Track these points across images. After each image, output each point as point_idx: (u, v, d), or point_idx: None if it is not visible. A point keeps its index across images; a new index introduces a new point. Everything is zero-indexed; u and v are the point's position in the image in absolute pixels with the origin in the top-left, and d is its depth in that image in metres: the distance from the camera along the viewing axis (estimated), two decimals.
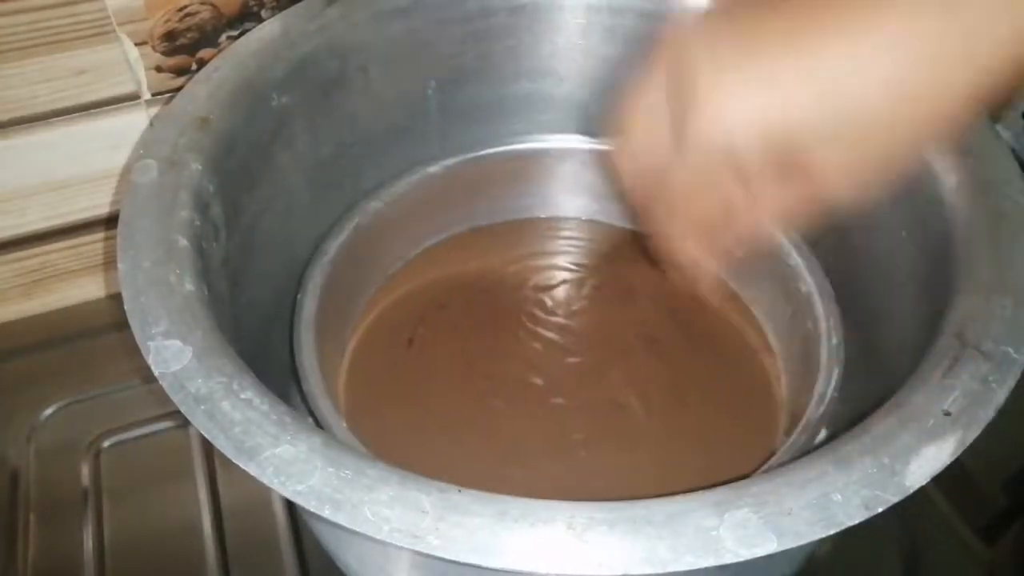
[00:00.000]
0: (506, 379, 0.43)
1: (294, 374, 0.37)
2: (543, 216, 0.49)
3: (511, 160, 0.47)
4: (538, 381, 0.42)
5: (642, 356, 0.43)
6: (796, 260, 0.41)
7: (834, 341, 0.38)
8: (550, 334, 0.45)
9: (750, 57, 0.23)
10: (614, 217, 0.49)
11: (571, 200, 0.49)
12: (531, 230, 0.49)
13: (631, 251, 0.48)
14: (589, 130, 0.47)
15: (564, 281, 0.47)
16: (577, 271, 0.48)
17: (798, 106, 0.22)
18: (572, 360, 0.43)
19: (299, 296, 0.40)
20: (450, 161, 0.45)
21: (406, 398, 0.42)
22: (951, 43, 0.22)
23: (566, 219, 0.49)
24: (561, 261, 0.48)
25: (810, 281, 0.40)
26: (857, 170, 0.24)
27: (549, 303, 0.46)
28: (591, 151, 0.46)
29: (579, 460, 0.39)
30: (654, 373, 0.43)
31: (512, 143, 0.46)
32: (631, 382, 0.42)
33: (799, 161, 0.24)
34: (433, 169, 0.44)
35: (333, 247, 0.42)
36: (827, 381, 0.36)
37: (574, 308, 0.46)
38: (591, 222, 0.49)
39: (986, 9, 0.21)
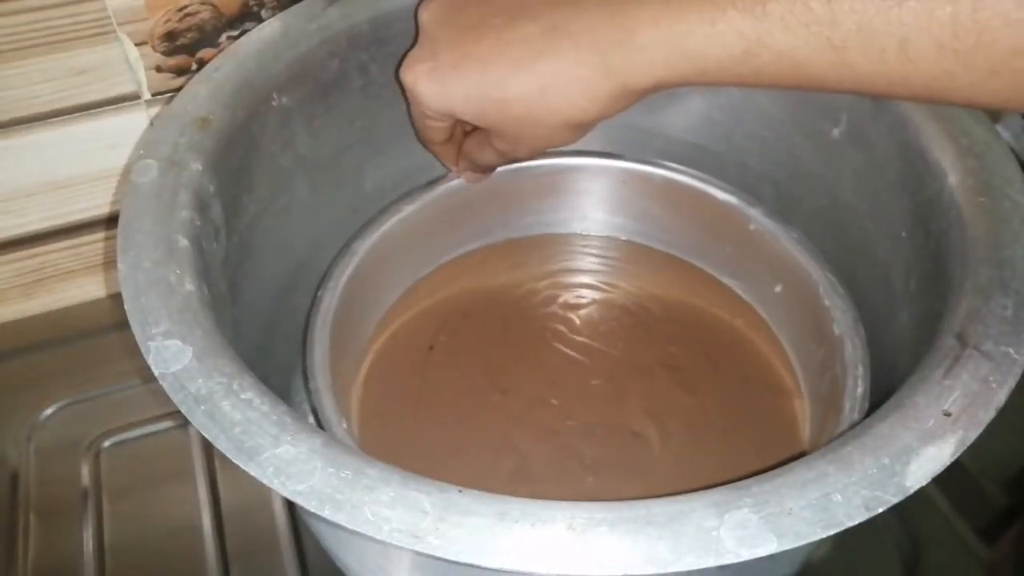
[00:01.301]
0: (522, 396, 0.42)
1: (304, 370, 0.37)
2: (579, 232, 0.48)
3: (549, 174, 0.46)
4: (554, 401, 0.41)
5: (665, 385, 0.42)
6: (832, 301, 0.39)
7: (859, 391, 0.36)
8: (573, 353, 0.44)
9: (442, 69, 0.34)
10: (652, 240, 0.48)
11: (609, 219, 0.48)
12: (565, 246, 0.48)
13: (667, 276, 0.47)
14: (599, 131, 0.47)
15: (594, 301, 0.46)
16: (609, 291, 0.46)
17: (458, 100, 0.34)
18: (592, 382, 0.42)
19: (319, 292, 0.39)
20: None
21: (420, 405, 0.41)
22: (575, 70, 0.31)
23: (602, 237, 0.48)
24: (593, 280, 0.47)
25: (843, 324, 0.38)
26: (518, 143, 0.36)
27: (576, 322, 0.45)
28: (629, 170, 0.45)
29: (586, 486, 0.38)
30: (676, 404, 0.41)
31: (550, 156, 0.45)
32: (650, 411, 0.41)
33: (482, 128, 0.37)
34: (454, 184, 0.43)
35: (361, 248, 0.41)
36: (850, 417, 0.35)
37: (601, 329, 0.45)
38: (628, 243, 0.48)
39: (604, 46, 0.30)
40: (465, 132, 0.41)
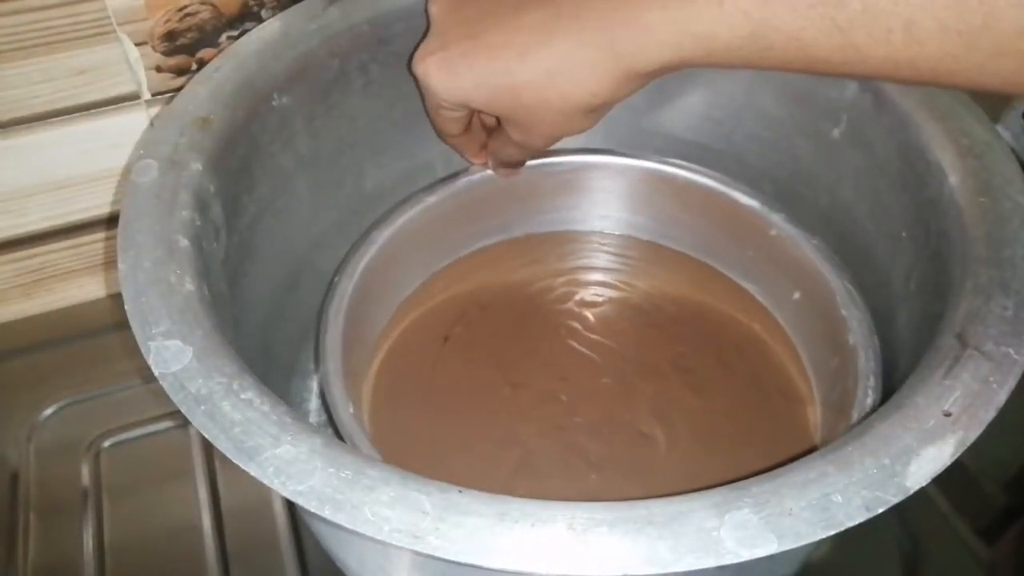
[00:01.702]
0: (532, 391, 0.42)
1: (315, 352, 0.37)
2: (598, 230, 0.48)
3: (571, 171, 0.46)
4: (563, 397, 0.41)
5: (677, 388, 0.42)
6: (849, 311, 0.39)
7: (868, 402, 0.35)
8: (586, 351, 0.44)
9: (453, 59, 0.34)
10: (671, 240, 0.47)
11: (629, 218, 0.48)
12: (584, 243, 0.48)
13: (685, 277, 0.47)
14: (599, 132, 0.47)
15: (610, 299, 0.46)
16: (625, 291, 0.46)
17: (469, 89, 0.34)
18: (603, 381, 0.42)
19: (336, 278, 0.40)
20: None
21: (430, 395, 0.42)
22: (583, 53, 0.31)
23: (621, 236, 0.48)
24: (610, 279, 0.47)
25: (858, 334, 0.38)
26: (530, 131, 0.36)
27: (591, 319, 0.45)
28: (651, 170, 0.45)
29: (589, 483, 0.38)
30: (686, 407, 0.41)
31: (573, 154, 0.45)
32: (660, 412, 0.41)
33: (496, 117, 0.38)
34: (476, 177, 0.44)
35: (381, 236, 0.41)
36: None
37: (615, 328, 0.45)
38: (647, 243, 0.48)
39: (608, 30, 0.31)
40: (484, 125, 0.41)
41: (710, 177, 0.44)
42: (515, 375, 0.42)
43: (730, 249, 0.46)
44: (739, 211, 0.43)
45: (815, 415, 0.41)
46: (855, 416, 0.35)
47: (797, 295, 0.43)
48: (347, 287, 0.39)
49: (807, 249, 0.41)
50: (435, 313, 0.45)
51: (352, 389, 0.37)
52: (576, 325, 0.45)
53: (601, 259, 0.48)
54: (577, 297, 0.46)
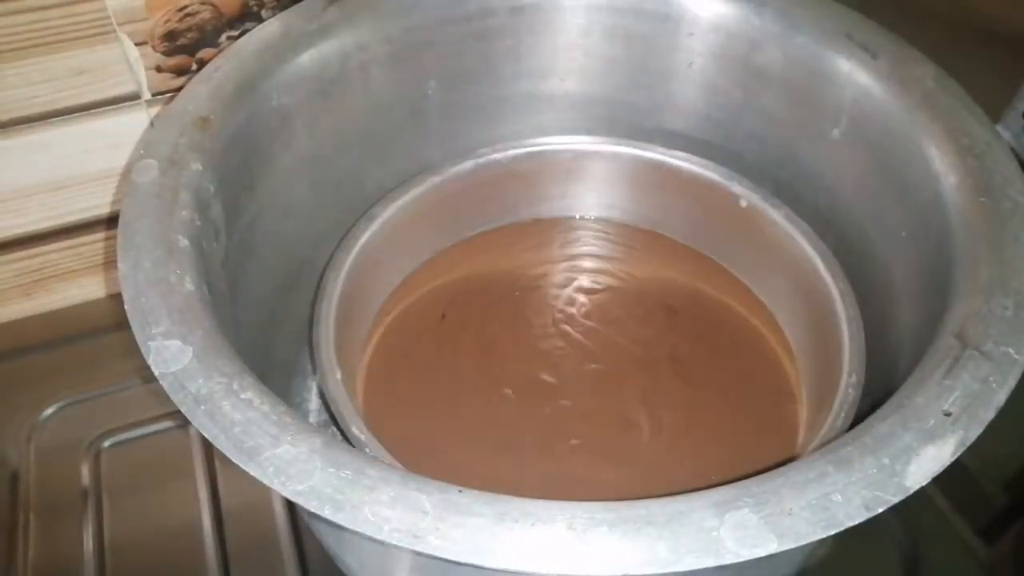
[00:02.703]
0: (521, 372, 0.42)
1: (311, 319, 0.38)
2: (604, 217, 0.49)
3: (576, 158, 0.46)
4: (551, 379, 0.42)
5: (665, 376, 0.42)
6: (843, 311, 0.39)
7: (851, 398, 0.36)
8: (580, 337, 0.44)
9: None
10: (675, 232, 0.48)
11: (636, 208, 0.48)
12: (589, 230, 0.49)
13: (685, 270, 0.47)
14: (601, 131, 0.47)
15: (609, 287, 0.46)
16: (625, 280, 0.47)
17: None
18: (592, 366, 0.43)
19: (336, 252, 0.40)
20: (504, 153, 0.45)
21: (423, 371, 0.42)
22: None
23: (626, 226, 0.49)
24: (611, 267, 0.48)
25: (848, 333, 0.38)
26: None
27: (587, 306, 0.46)
28: (660, 162, 0.46)
29: (568, 464, 0.39)
30: (673, 395, 0.42)
31: (569, 141, 0.46)
32: (646, 399, 0.41)
33: None
34: (483, 160, 0.44)
35: (382, 214, 0.42)
36: (833, 424, 0.35)
37: (611, 316, 0.45)
38: (651, 233, 0.48)
39: None
40: None
41: (713, 170, 0.45)
42: (506, 356, 0.43)
43: (732, 243, 0.46)
44: (741, 207, 0.44)
45: (801, 413, 0.41)
46: (834, 411, 0.35)
47: (793, 292, 0.43)
48: (346, 261, 0.40)
49: (807, 248, 0.41)
50: (434, 293, 0.46)
51: (346, 367, 0.37)
52: (572, 311, 0.45)
53: (603, 247, 0.49)
54: (575, 283, 0.47)
